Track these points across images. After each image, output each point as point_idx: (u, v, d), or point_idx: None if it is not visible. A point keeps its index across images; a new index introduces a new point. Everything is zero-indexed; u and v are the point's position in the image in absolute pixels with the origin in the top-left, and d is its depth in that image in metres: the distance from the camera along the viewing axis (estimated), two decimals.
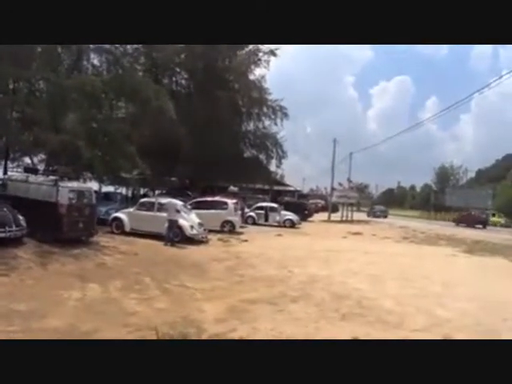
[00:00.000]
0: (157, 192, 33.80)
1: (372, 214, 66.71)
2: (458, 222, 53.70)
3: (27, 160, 23.62)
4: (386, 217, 64.52)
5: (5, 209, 14.65)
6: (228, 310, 9.49)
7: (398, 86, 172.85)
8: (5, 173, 21.13)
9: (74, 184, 17.11)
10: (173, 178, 35.83)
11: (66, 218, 15.75)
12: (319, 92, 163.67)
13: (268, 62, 35.77)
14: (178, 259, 15.88)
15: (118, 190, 32.10)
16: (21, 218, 14.75)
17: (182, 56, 32.35)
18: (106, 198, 26.48)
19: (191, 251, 18.01)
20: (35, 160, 23.74)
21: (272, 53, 35.07)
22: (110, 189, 31.62)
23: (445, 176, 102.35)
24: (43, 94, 21.50)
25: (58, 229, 15.55)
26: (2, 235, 13.80)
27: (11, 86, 20.43)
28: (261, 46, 34.54)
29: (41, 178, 16.95)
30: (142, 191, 35.74)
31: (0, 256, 12.83)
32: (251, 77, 36.55)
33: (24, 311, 8.48)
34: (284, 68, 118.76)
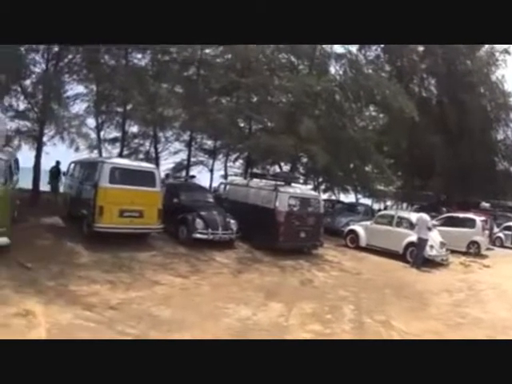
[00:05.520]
0: (415, 206, 31.42)
1: None
2: None
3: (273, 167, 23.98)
4: None
5: (214, 212, 14.51)
6: None
7: None
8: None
9: (297, 190, 15.94)
10: (430, 193, 32.94)
11: (284, 226, 14.67)
12: None
13: (505, 61, 30.33)
14: (403, 285, 13.18)
15: (367, 203, 30.58)
16: (232, 221, 14.50)
17: (427, 60, 29.38)
18: (350, 209, 24.84)
19: (424, 276, 15.12)
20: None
21: (506, 51, 29.60)
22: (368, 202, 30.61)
23: None
24: (279, 102, 21.42)
25: (274, 237, 14.61)
26: (204, 237, 13.65)
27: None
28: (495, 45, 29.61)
29: (262, 183, 16.31)
30: (398, 206, 33.50)
31: (193, 257, 12.58)
32: (492, 78, 31.41)
33: (161, 318, 7.73)
34: None
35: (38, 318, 6.85)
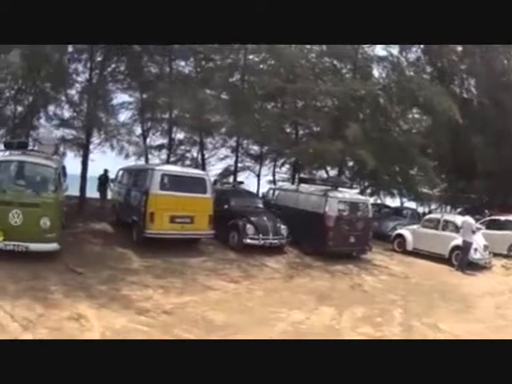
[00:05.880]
0: (458, 209, 30.77)
1: None
2: None
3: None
4: None
5: (264, 217, 14.50)
6: None
7: None
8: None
9: (346, 195, 15.79)
10: (472, 195, 32.23)
11: (333, 230, 14.55)
12: None
13: None
14: (449, 289, 13.07)
15: (412, 206, 30.07)
16: (282, 227, 14.48)
17: (466, 60, 28.71)
18: (396, 213, 24.53)
19: (468, 279, 14.94)
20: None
21: None
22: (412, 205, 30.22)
23: None
24: (324, 106, 21.51)
25: (324, 242, 14.50)
26: (255, 242, 13.66)
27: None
28: None
29: (311, 188, 16.18)
30: (443, 209, 32.91)
31: (244, 262, 12.64)
32: None
33: (216, 323, 7.81)
34: None
35: (91, 322, 6.95)
